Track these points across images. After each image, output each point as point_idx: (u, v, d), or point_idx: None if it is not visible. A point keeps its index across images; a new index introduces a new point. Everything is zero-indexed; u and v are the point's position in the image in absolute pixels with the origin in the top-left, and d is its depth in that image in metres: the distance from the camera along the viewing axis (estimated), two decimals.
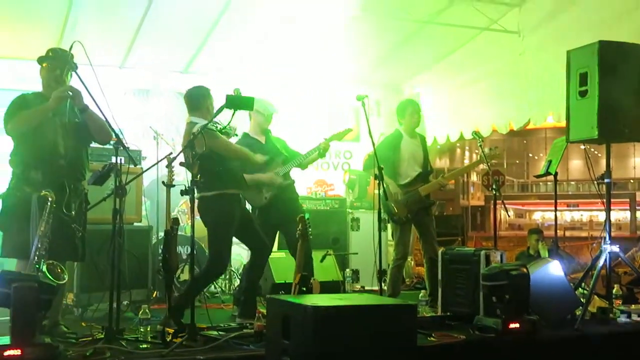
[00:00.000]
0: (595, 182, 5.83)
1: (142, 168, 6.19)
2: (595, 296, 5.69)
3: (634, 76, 5.41)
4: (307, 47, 8.54)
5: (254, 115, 6.24)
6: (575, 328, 5.07)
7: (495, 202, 6.52)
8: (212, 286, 7.31)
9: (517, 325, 4.77)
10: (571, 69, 5.52)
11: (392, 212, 6.50)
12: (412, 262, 9.07)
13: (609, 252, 5.51)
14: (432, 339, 4.65)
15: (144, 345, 4.41)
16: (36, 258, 4.29)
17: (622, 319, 5.52)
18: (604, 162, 5.77)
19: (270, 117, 6.29)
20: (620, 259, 5.75)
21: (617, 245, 5.57)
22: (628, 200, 37.70)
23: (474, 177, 38.96)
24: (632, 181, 44.60)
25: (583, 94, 5.38)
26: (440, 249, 6.16)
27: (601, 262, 5.51)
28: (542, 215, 46.90)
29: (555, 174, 6.61)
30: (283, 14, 7.76)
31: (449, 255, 5.82)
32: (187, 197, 4.70)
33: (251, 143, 6.07)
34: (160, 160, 5.37)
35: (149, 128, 7.82)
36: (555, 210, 7.15)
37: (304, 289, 5.18)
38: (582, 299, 5.52)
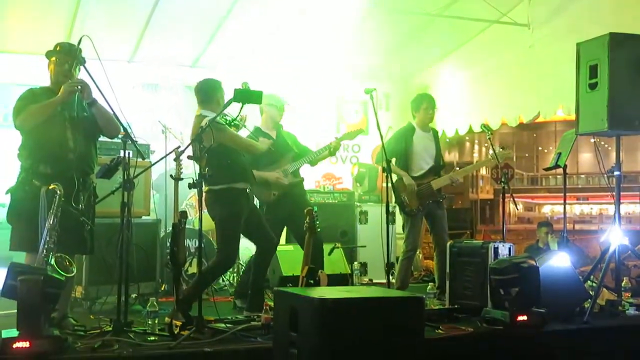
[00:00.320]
0: (605, 175, 5.81)
1: (150, 162, 6.21)
2: (605, 289, 5.67)
3: None
4: (318, 40, 8.52)
5: (266, 109, 6.24)
6: (584, 321, 5.06)
7: (504, 196, 6.49)
8: (220, 279, 7.33)
9: (525, 317, 4.76)
10: (581, 62, 5.49)
11: (404, 203, 6.52)
12: (420, 255, 9.06)
13: (619, 245, 5.49)
14: (439, 331, 4.66)
15: (152, 338, 4.43)
16: (45, 251, 4.30)
17: (631, 311, 5.52)
18: (614, 155, 5.73)
19: (283, 109, 6.31)
20: (629, 252, 5.72)
21: (627, 238, 5.55)
22: (638, 193, 37.46)
23: (483, 171, 38.75)
24: None
25: (593, 86, 5.35)
26: (449, 242, 6.15)
27: (610, 255, 5.49)
28: (551, 208, 46.67)
29: (565, 167, 6.57)
30: (294, 6, 7.75)
31: (457, 248, 5.83)
32: (195, 191, 4.71)
33: (262, 137, 6.08)
34: (169, 154, 5.37)
35: (157, 122, 7.83)
36: (565, 203, 7.11)
37: (312, 281, 5.18)
38: (591, 292, 5.51)
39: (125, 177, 4.63)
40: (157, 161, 5.62)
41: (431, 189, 6.66)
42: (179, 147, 5.55)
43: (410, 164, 6.73)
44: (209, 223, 5.86)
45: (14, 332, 3.77)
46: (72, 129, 4.77)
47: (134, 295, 5.68)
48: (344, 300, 3.60)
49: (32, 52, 7.33)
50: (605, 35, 5.29)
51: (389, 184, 5.69)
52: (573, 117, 5.82)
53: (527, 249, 8.90)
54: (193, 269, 6.60)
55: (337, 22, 8.12)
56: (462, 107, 9.49)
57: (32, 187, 4.63)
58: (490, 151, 6.81)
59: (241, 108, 4.92)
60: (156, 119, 8.01)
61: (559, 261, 5.43)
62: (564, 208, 7.23)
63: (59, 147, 4.71)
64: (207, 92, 5.52)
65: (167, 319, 4.70)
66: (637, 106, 5.34)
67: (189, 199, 8.09)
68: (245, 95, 4.82)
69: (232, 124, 5.37)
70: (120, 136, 4.95)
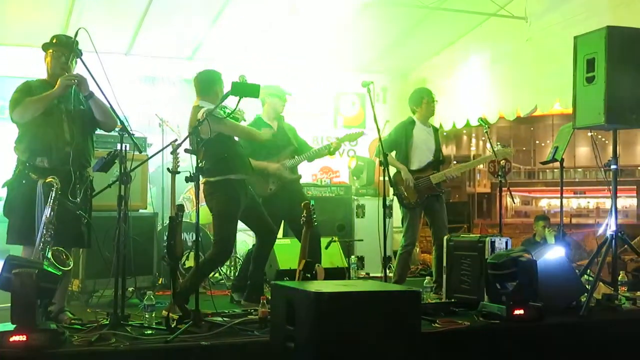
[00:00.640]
0: (602, 168, 5.81)
1: (147, 155, 6.19)
2: (601, 283, 5.68)
3: None
4: (316, 33, 8.49)
5: (268, 99, 6.21)
6: (580, 315, 5.07)
7: (501, 190, 6.50)
8: (217, 272, 7.33)
9: (522, 311, 4.76)
10: (578, 55, 5.47)
11: (402, 196, 6.52)
12: (417, 249, 9.07)
13: (615, 239, 5.50)
14: (436, 325, 4.66)
15: (149, 331, 4.42)
16: (42, 245, 4.30)
17: (627, 305, 5.52)
18: (610, 149, 5.73)
19: (285, 99, 6.28)
20: (626, 245, 5.73)
21: (623, 232, 5.55)
22: (635, 187, 37.53)
23: (480, 165, 38.86)
24: (639, 168, 44.44)
25: (590, 80, 5.33)
26: (446, 235, 6.16)
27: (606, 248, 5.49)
28: (548, 202, 46.83)
29: (562, 161, 6.57)
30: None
31: (453, 242, 5.84)
32: (192, 184, 4.70)
33: (264, 127, 6.06)
34: (166, 147, 5.35)
35: (154, 115, 7.82)
36: (562, 197, 7.13)
37: (309, 275, 5.18)
38: (587, 286, 5.51)
39: (122, 171, 4.61)
40: (154, 154, 5.60)
41: (430, 183, 6.66)
42: (176, 140, 5.52)
43: (411, 156, 6.74)
44: (206, 216, 5.85)
45: (10, 326, 3.77)
46: (68, 122, 4.76)
47: (131, 289, 5.67)
48: (340, 294, 3.60)
49: (28, 45, 7.31)
50: (602, 28, 5.27)
51: (386, 178, 5.69)
52: (570, 110, 5.80)
53: (524, 243, 8.90)
54: (190, 263, 6.60)
55: (335, 14, 8.09)
56: (460, 101, 9.47)
57: (28, 180, 4.62)
58: (488, 145, 6.80)
59: (239, 101, 4.90)
60: (153, 112, 8.00)
61: (555, 255, 5.43)
62: (561, 202, 7.25)
63: (55, 140, 4.70)
64: (206, 83, 5.50)
65: (164, 313, 4.69)
66: (634, 100, 5.32)
67: (186, 193, 8.09)
68: (243, 89, 4.79)
69: (231, 117, 5.35)
70: (117, 129, 4.92)
